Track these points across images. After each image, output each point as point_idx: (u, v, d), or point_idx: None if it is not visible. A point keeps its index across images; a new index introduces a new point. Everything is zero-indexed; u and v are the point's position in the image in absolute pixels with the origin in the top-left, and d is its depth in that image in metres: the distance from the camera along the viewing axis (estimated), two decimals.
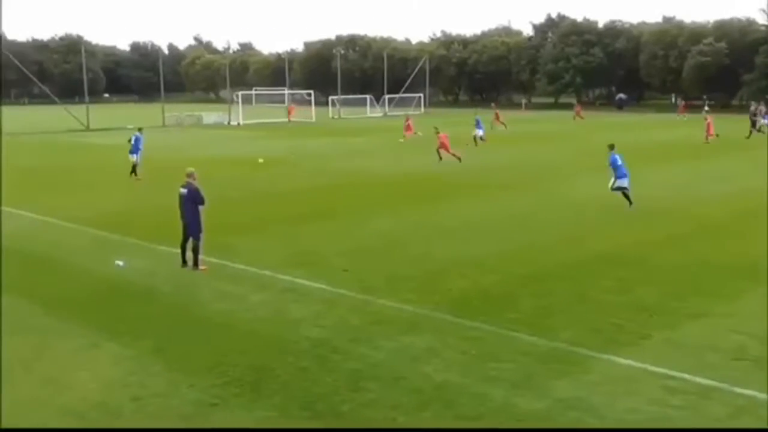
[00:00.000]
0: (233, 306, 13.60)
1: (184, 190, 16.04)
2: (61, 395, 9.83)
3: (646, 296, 13.81)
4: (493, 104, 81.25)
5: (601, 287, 14.48)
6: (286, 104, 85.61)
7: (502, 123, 59.23)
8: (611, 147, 23.88)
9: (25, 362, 10.97)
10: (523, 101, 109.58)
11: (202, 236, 16.04)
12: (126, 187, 28.88)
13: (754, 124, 49.59)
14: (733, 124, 54.17)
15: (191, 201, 15.92)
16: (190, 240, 16.05)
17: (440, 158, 35.76)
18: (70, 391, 9.95)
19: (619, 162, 23.32)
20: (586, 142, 48.17)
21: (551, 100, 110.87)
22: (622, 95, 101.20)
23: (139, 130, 32.23)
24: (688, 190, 27.03)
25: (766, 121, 50.27)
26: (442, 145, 35.97)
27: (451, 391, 9.83)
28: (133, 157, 31.24)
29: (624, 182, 23.28)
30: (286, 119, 76.60)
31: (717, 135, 46.21)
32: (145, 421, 9.13)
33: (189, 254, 16.10)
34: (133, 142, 31.66)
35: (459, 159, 35.18)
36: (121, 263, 16.36)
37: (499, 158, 38.38)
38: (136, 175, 30.84)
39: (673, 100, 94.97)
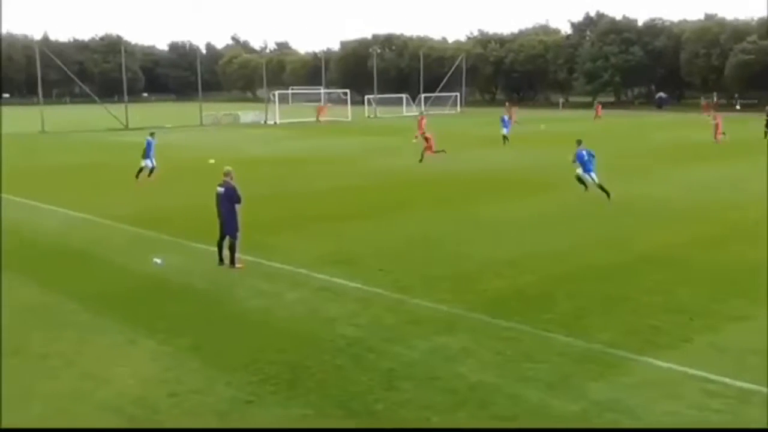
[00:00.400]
0: (269, 304, 13.68)
1: (221, 189, 16.18)
2: (100, 390, 9.96)
3: (685, 298, 13.64)
4: (507, 103, 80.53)
5: (639, 288, 14.33)
6: (322, 103, 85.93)
7: (516, 122, 56.26)
8: (578, 143, 25.14)
9: (65, 356, 11.14)
10: (561, 100, 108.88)
11: (239, 234, 16.16)
12: (163, 185, 29.15)
13: None
14: None
15: (228, 200, 16.04)
16: (227, 238, 16.18)
17: (421, 160, 36.00)
18: (108, 386, 10.08)
19: (585, 158, 24.43)
20: (622, 141, 47.75)
21: (589, 99, 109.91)
22: (661, 94, 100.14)
23: (151, 134, 32.04)
24: (720, 191, 26.57)
25: None
26: (428, 147, 36.61)
27: (485, 391, 9.79)
28: (146, 163, 30.66)
29: (590, 176, 24.45)
30: (320, 118, 76.40)
31: (724, 133, 45.70)
32: (181, 417, 9.22)
33: (226, 252, 16.23)
34: (145, 147, 31.16)
35: (434, 151, 36.30)
36: (158, 261, 16.52)
37: (533, 157, 38.16)
38: (137, 177, 30.34)
39: (715, 98, 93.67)
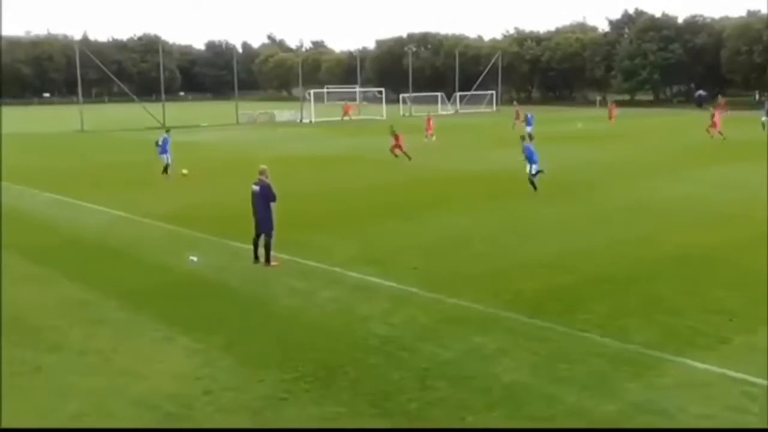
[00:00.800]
0: (303, 302, 13.74)
1: (256, 187, 16.27)
2: (137, 386, 10.09)
3: (723, 299, 13.47)
4: (515, 102, 79.77)
5: (675, 289, 14.18)
6: (357, 101, 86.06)
7: (522, 122, 53.98)
8: (526, 137, 27.71)
9: (102, 353, 11.30)
10: (598, 99, 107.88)
11: (274, 233, 16.25)
12: (199, 184, 29.41)
13: None
14: None
15: (263, 198, 16.14)
16: (262, 236, 16.28)
17: (396, 155, 36.64)
18: (144, 382, 10.20)
19: (532, 150, 26.02)
20: (658, 140, 47.24)
21: (627, 97, 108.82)
22: (701, 92, 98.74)
23: (167, 131, 32.77)
24: (758, 190, 25.87)
25: None
26: (398, 146, 36.99)
27: (520, 391, 9.75)
28: (164, 158, 31.71)
29: (534, 167, 25.90)
30: (345, 117, 75.56)
31: (721, 133, 45.16)
32: (215, 414, 9.30)
33: (261, 250, 16.34)
34: (161, 143, 32.09)
35: (402, 151, 36.60)
36: (195, 259, 16.68)
37: (568, 156, 37.86)
38: (167, 173, 31.24)
39: (757, 97, 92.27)
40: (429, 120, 49.55)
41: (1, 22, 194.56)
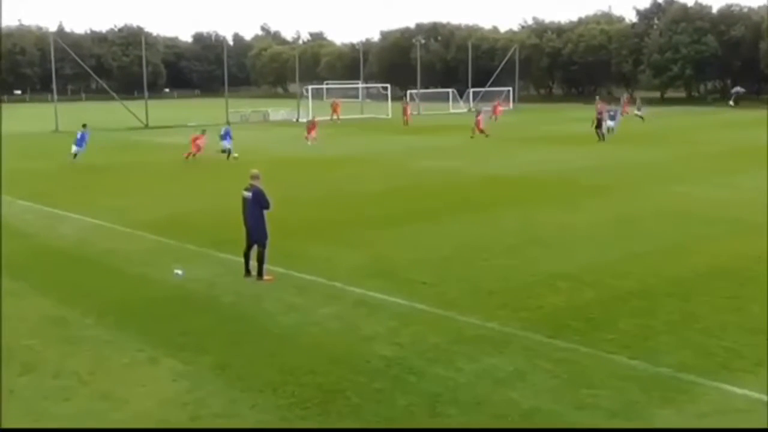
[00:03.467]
0: (300, 320, 13.74)
1: (248, 194, 16.27)
2: (117, 412, 10.09)
3: (763, 316, 13.43)
4: (498, 99, 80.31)
5: (712, 305, 14.16)
6: (360, 99, 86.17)
7: (495, 119, 64.38)
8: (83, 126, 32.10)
9: (78, 375, 11.30)
10: (625, 95, 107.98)
11: (268, 243, 16.25)
12: (185, 190, 29.48)
13: None
14: None
15: (256, 205, 16.13)
16: (255, 247, 16.28)
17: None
18: (125, 408, 10.20)
19: (81, 137, 29.05)
20: (692, 141, 47.24)
21: (657, 94, 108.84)
22: (738, 89, 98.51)
23: (228, 124, 41.40)
24: None
25: None
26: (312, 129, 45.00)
27: (540, 419, 9.74)
28: (226, 144, 39.65)
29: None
30: (333, 117, 74.73)
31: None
32: None
33: (253, 263, 16.34)
34: (223, 133, 40.59)
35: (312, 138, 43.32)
36: (179, 272, 16.69)
37: (590, 158, 37.91)
38: (230, 156, 38.87)
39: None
40: (478, 116, 53.34)
41: (1, 17, 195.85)
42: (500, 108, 72.85)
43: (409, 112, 67.86)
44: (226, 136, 40.66)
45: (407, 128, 61.10)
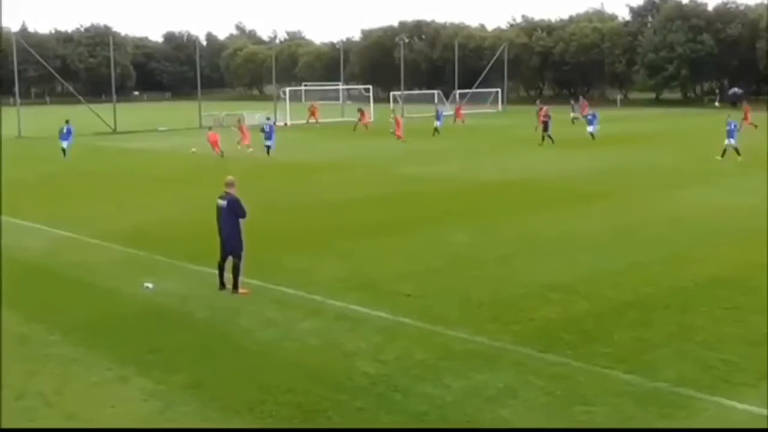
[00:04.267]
0: (278, 335, 13.70)
1: (222, 202, 16.23)
2: None
3: (764, 328, 13.49)
4: (458, 100, 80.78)
5: (711, 317, 14.23)
6: (340, 102, 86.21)
7: (462, 120, 67.23)
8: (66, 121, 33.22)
9: (43, 396, 11.22)
10: (619, 97, 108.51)
11: (244, 254, 16.21)
12: (156, 198, 29.39)
13: None
14: None
15: (231, 214, 16.09)
16: (230, 259, 16.24)
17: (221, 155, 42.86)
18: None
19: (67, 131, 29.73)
20: (688, 144, 47.53)
21: (652, 95, 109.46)
22: (736, 89, 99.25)
23: (268, 118, 46.17)
24: None
25: None
26: (214, 143, 43.78)
27: None
28: (268, 142, 43.99)
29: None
30: (311, 120, 74.20)
31: None
32: None
33: (228, 275, 16.29)
34: (267, 130, 44.67)
35: (221, 154, 42.66)
36: (150, 285, 16.64)
37: (584, 163, 38.11)
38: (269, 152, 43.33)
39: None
40: (397, 118, 56.24)
41: (1, 16, 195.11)
42: (462, 112, 73.89)
43: (367, 117, 66.37)
44: (270, 133, 44.79)
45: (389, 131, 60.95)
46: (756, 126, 54.56)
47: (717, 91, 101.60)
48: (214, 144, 43.34)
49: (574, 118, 66.21)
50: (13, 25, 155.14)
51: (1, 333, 13.79)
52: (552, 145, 47.26)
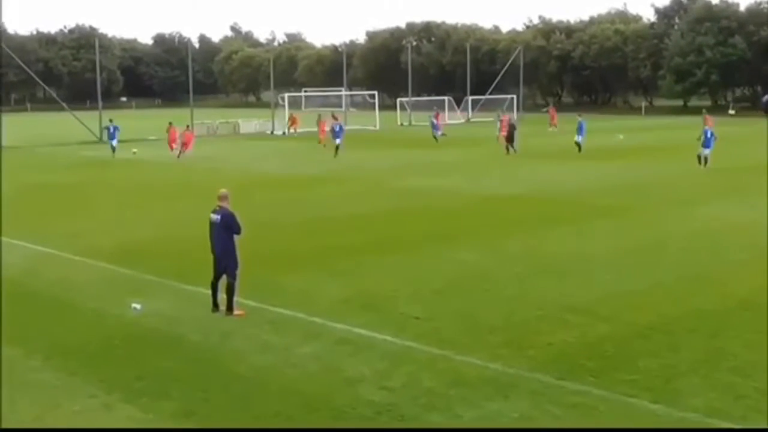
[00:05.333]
0: (275, 361, 13.70)
1: (216, 217, 16.24)
2: None
3: None
4: (435, 107, 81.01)
5: (742, 341, 14.19)
6: (343, 109, 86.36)
7: (442, 132, 64.88)
8: (110, 120, 33.39)
9: (23, 425, 11.22)
10: (643, 104, 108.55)
11: (238, 273, 16.23)
12: (144, 212, 29.42)
13: None
14: None
15: (225, 230, 16.10)
16: (223, 278, 16.25)
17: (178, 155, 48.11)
18: None
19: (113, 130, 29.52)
20: (719, 156, 47.38)
21: (679, 102, 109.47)
22: None
23: (336, 119, 52.39)
24: None
25: None
26: (174, 141, 49.02)
27: None
28: (337, 141, 49.26)
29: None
30: (290, 131, 74.19)
31: None
32: None
33: (221, 295, 16.29)
34: (337, 129, 49.92)
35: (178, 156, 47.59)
36: (137, 306, 16.64)
37: (606, 175, 38.09)
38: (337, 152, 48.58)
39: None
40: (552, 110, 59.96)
41: (2, 18, 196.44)
42: (439, 119, 73.25)
43: (325, 129, 60.03)
44: (340, 132, 50.09)
45: (399, 139, 61.13)
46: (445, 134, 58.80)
47: (765, 99, 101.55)
48: (184, 144, 48.60)
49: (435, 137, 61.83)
50: None
51: None
52: (515, 155, 49.06)
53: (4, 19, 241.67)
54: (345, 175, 40.38)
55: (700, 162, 40.27)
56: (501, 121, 57.75)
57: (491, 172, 40.60)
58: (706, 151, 40.12)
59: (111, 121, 54.21)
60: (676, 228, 24.95)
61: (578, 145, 50.13)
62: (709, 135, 40.34)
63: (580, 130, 51.00)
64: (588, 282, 18.58)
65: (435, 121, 63.29)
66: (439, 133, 61.78)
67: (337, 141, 49.44)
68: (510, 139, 50.22)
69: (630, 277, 18.96)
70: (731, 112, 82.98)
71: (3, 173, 39.31)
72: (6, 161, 48.10)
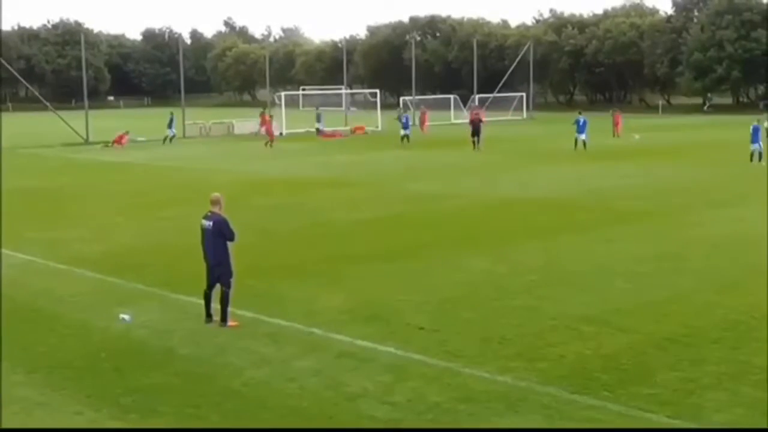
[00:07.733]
0: (272, 375, 13.69)
1: (208, 223, 16.23)
2: None
3: None
4: (422, 105, 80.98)
5: (766, 354, 14.15)
6: (343, 108, 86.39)
7: (425, 130, 69.76)
8: (171, 113, 33.72)
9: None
10: (661, 102, 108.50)
11: (233, 282, 16.23)
12: (132, 219, 29.40)
13: None
14: None
15: (218, 236, 16.09)
16: (217, 287, 16.25)
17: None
18: None
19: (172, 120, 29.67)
20: (736, 157, 47.40)
21: (698, 100, 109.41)
22: None
23: (404, 111, 54.88)
24: None
25: None
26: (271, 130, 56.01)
27: None
28: (405, 131, 57.28)
29: None
30: (261, 130, 71.51)
31: None
32: None
33: (215, 305, 16.29)
34: (404, 120, 58.13)
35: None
36: (126, 317, 16.63)
37: (622, 178, 38.04)
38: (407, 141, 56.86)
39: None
40: (617, 116, 62.45)
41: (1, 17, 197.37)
42: (427, 118, 75.15)
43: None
44: (407, 123, 57.54)
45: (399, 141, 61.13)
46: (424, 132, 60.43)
47: (709, 94, 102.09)
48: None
49: (403, 137, 59.20)
50: None
51: None
52: (480, 151, 51.72)
53: None
54: (346, 178, 40.37)
55: (752, 159, 41.84)
56: (473, 112, 59.03)
57: (502, 175, 40.55)
58: (756, 147, 41.49)
59: (172, 113, 65.05)
60: (700, 233, 24.88)
61: (583, 142, 51.27)
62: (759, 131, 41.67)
63: (581, 128, 51.83)
64: (605, 291, 18.55)
65: (405, 119, 61.09)
66: (408, 132, 59.59)
67: (406, 131, 58.14)
68: (475, 133, 51.80)
69: (649, 286, 18.91)
70: (705, 108, 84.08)
71: None
72: None
